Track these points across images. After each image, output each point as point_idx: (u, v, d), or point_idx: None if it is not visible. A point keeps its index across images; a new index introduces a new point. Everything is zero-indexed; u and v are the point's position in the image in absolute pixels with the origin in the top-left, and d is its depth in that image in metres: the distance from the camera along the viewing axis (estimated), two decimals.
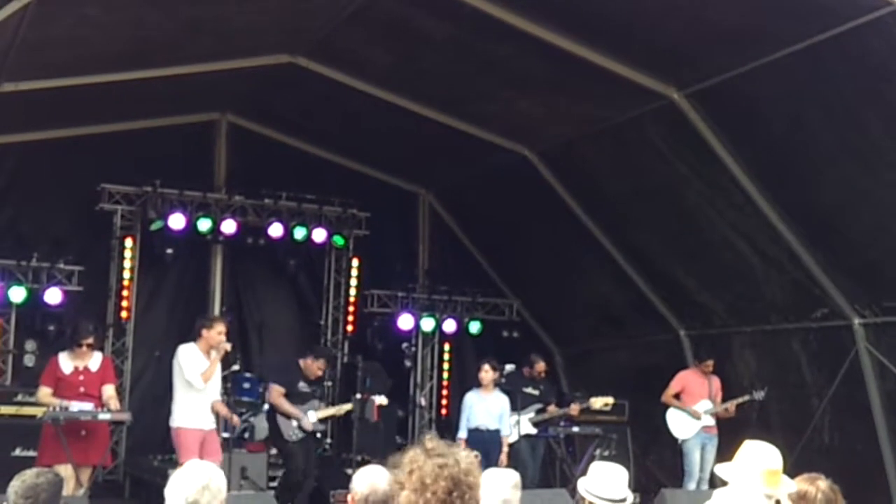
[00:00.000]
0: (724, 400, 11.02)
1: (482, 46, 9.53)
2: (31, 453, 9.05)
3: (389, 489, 4.15)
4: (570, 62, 9.21)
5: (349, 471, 9.60)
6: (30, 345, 11.70)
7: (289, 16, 9.58)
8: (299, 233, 12.86)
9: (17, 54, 9.09)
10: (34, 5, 7.76)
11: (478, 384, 10.62)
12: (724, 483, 4.48)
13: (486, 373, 10.51)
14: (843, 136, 8.61)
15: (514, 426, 10.61)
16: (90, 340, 8.76)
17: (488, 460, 9.48)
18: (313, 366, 10.26)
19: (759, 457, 4.36)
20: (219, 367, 8.94)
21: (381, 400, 10.73)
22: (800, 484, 4.48)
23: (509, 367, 11.85)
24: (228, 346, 8.94)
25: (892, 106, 8.10)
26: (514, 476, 5.20)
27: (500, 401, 10.54)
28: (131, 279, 12.24)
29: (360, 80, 10.91)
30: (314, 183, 13.09)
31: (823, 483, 4.51)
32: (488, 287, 14.17)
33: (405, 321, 13.47)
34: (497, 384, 10.63)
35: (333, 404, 10.97)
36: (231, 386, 10.24)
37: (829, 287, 9.97)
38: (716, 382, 11.14)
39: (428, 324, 13.68)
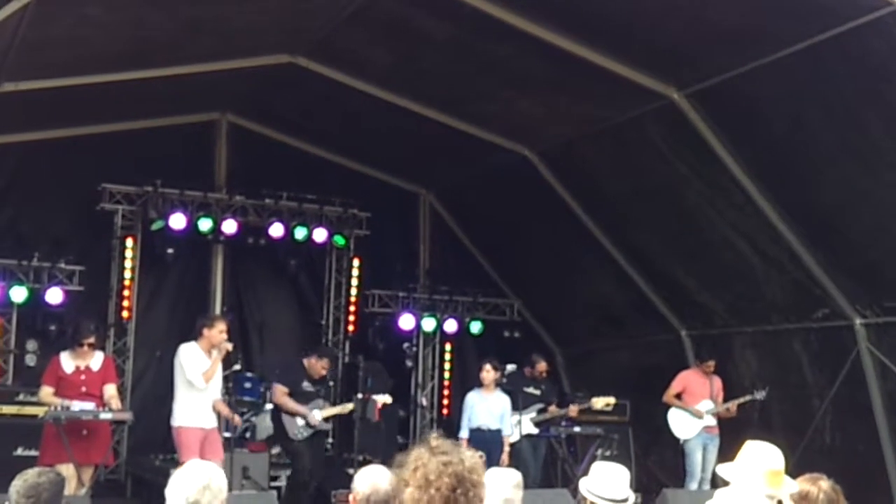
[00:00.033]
0: (726, 400, 11.02)
1: (482, 46, 9.53)
2: (33, 453, 9.04)
3: (391, 489, 4.16)
4: (570, 62, 9.21)
5: (351, 471, 9.60)
6: (31, 344, 11.70)
7: (289, 16, 9.58)
8: (300, 233, 12.86)
9: (17, 54, 9.09)
10: (34, 5, 7.76)
11: (479, 384, 10.62)
12: (725, 483, 4.48)
13: (488, 373, 10.51)
14: (844, 136, 8.61)
15: (516, 426, 10.61)
16: (91, 340, 8.76)
17: (490, 460, 9.45)
18: (317, 365, 10.28)
19: (761, 457, 4.36)
20: (220, 366, 8.95)
21: (385, 398, 10.74)
22: (802, 484, 4.48)
23: (510, 367, 11.85)
24: (230, 346, 8.94)
25: (892, 106, 8.10)
26: (515, 476, 5.20)
27: (502, 401, 10.54)
28: (132, 279, 12.25)
29: (361, 80, 10.92)
30: (315, 183, 13.09)
31: (825, 483, 4.51)
32: (489, 287, 14.18)
33: (406, 321, 13.48)
34: (498, 384, 10.63)
35: (335, 404, 10.96)
36: (232, 386, 10.25)
37: (830, 287, 9.97)
38: (717, 382, 11.14)
39: (429, 324, 13.69)
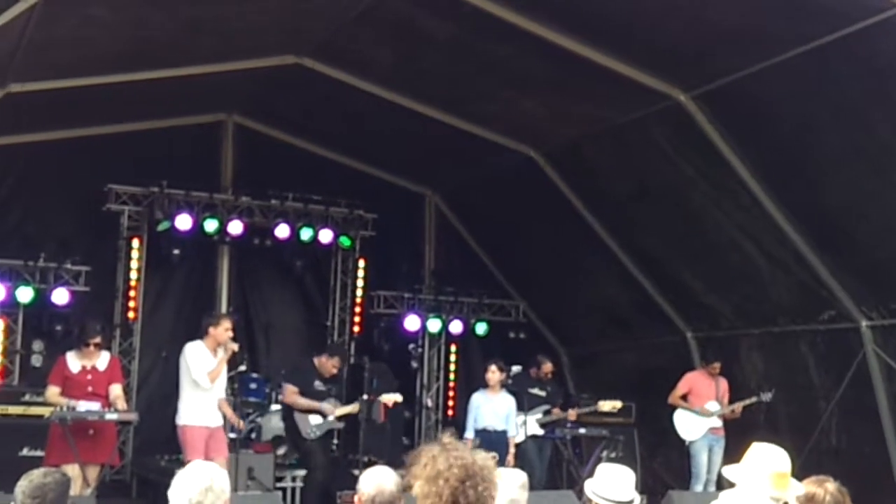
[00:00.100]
0: (732, 402, 11.00)
1: (488, 47, 9.53)
2: (39, 453, 9.07)
3: (396, 490, 4.15)
4: (576, 63, 9.20)
5: (356, 472, 9.60)
6: (37, 345, 11.71)
7: (295, 17, 9.58)
8: (306, 234, 12.85)
9: (25, 55, 9.10)
10: (41, 6, 7.77)
11: (484, 385, 10.61)
12: (731, 485, 4.47)
13: (493, 374, 10.50)
14: (851, 137, 8.60)
15: (521, 426, 10.60)
16: (97, 340, 8.79)
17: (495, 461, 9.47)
18: (328, 364, 10.30)
19: (767, 459, 4.34)
20: (225, 365, 8.95)
21: (395, 397, 10.74)
22: (808, 486, 4.46)
23: (516, 369, 11.84)
24: (236, 347, 8.95)
25: None
26: (521, 476, 5.20)
27: (507, 402, 10.53)
28: (138, 280, 12.26)
29: (366, 80, 10.92)
30: (320, 184, 13.09)
31: (832, 485, 4.49)
32: (494, 288, 14.17)
33: (411, 322, 13.48)
34: (504, 385, 10.63)
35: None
36: (238, 387, 10.26)
37: (837, 289, 9.95)
38: (723, 384, 11.12)
39: (434, 325, 13.68)
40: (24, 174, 11.96)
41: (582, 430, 11.47)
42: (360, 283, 13.74)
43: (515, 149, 11.75)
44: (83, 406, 8.47)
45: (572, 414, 11.30)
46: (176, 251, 12.21)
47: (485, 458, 3.32)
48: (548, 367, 11.71)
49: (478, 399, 10.57)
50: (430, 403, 14.02)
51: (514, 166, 11.96)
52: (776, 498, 4.28)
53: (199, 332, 8.99)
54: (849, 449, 10.39)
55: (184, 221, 12.04)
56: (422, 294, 13.86)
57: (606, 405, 11.29)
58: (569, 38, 8.95)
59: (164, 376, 11.69)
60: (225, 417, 9.07)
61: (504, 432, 10.41)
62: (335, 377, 10.55)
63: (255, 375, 12.09)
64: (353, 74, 10.88)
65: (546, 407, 11.31)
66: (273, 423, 11.37)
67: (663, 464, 12.41)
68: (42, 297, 11.40)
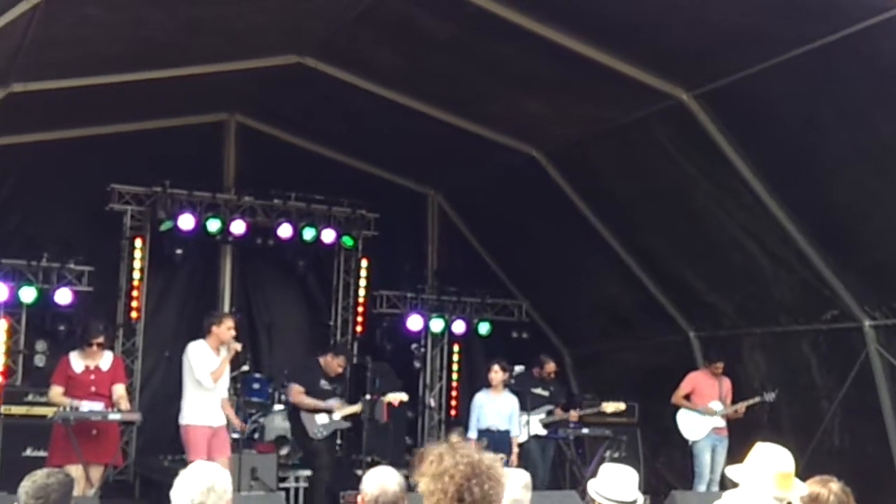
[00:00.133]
0: (735, 402, 11.00)
1: (490, 47, 9.52)
2: (42, 453, 9.08)
3: (399, 490, 4.15)
4: (578, 62, 9.20)
5: (359, 472, 9.61)
6: (40, 345, 11.71)
7: (297, 16, 9.58)
8: (308, 233, 12.85)
9: (27, 55, 9.11)
10: (44, 5, 7.78)
11: (487, 385, 10.62)
12: (734, 485, 4.47)
13: (496, 373, 10.51)
14: (854, 136, 8.59)
15: (524, 426, 10.60)
16: (101, 340, 8.79)
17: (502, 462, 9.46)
18: (333, 363, 10.31)
19: (771, 459, 4.34)
20: (227, 365, 8.96)
21: (401, 396, 10.75)
22: (812, 486, 4.47)
23: (519, 368, 11.85)
24: (239, 346, 8.96)
25: None
26: (524, 476, 5.21)
27: (510, 401, 10.53)
28: (141, 279, 12.27)
29: (369, 80, 10.92)
30: (323, 183, 13.09)
31: (836, 485, 4.49)
32: (497, 288, 14.17)
33: (414, 322, 13.48)
34: (506, 385, 10.63)
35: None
36: (241, 387, 10.27)
37: (840, 288, 9.95)
38: (726, 384, 11.12)
39: (437, 325, 13.68)
40: (27, 174, 11.96)
41: (585, 430, 11.47)
42: (362, 282, 13.73)
43: (518, 148, 11.75)
44: (86, 406, 8.47)
45: (574, 415, 11.31)
46: (179, 251, 12.21)
47: (492, 458, 3.31)
48: (551, 366, 11.71)
49: (481, 399, 10.58)
50: (432, 403, 14.02)
51: (516, 166, 11.96)
52: (780, 498, 4.28)
53: (201, 332, 9.00)
54: (852, 449, 10.38)
55: (186, 221, 12.04)
56: (424, 294, 13.85)
57: (610, 407, 11.31)
58: (571, 37, 8.94)
59: (167, 376, 11.69)
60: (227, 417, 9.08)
61: (507, 432, 10.41)
62: (340, 376, 10.54)
63: (257, 375, 12.09)
64: (355, 74, 10.89)
65: (549, 407, 11.31)
66: (276, 423, 11.36)
67: (666, 464, 12.40)
68: (45, 297, 11.40)
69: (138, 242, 12.24)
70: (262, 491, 9.77)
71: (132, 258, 12.22)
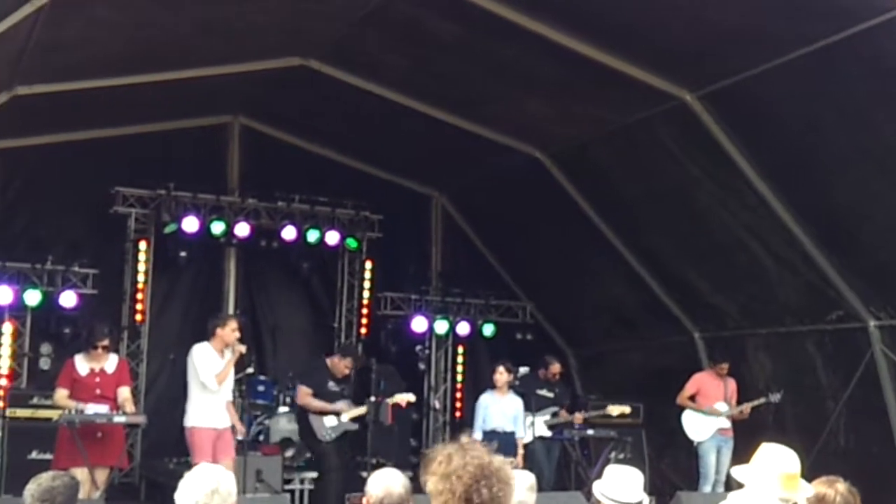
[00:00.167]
0: (740, 402, 10.99)
1: (495, 48, 9.53)
2: (47, 456, 9.10)
3: (404, 492, 4.16)
4: (582, 63, 9.20)
5: (364, 474, 9.60)
6: (45, 348, 11.74)
7: (301, 19, 9.60)
8: (312, 235, 12.86)
9: (31, 58, 9.13)
10: (48, 8, 7.79)
11: (492, 386, 10.60)
12: (739, 486, 4.46)
13: (501, 375, 10.50)
14: (857, 137, 8.58)
15: (529, 427, 10.60)
16: (105, 342, 8.79)
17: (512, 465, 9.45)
18: (340, 364, 10.31)
19: (776, 460, 4.33)
20: (232, 367, 8.96)
21: (409, 397, 10.75)
22: (818, 487, 4.46)
23: (523, 370, 11.84)
24: (243, 348, 8.97)
25: None
26: (529, 478, 5.21)
27: (515, 403, 10.53)
28: (145, 282, 12.28)
29: (373, 82, 10.93)
30: (327, 185, 13.10)
31: (842, 486, 4.49)
32: (501, 289, 14.17)
33: (419, 324, 13.47)
34: (511, 386, 10.62)
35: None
36: (245, 389, 10.27)
37: (844, 289, 9.93)
38: (731, 385, 11.10)
39: (441, 326, 13.67)
40: (31, 177, 11.99)
41: (590, 432, 11.45)
42: (366, 284, 13.74)
43: (522, 150, 11.75)
44: (91, 409, 8.47)
45: (578, 417, 11.30)
46: (183, 253, 12.24)
47: (502, 459, 3.30)
48: (556, 367, 11.71)
49: (486, 400, 10.57)
50: (437, 405, 14.02)
51: (520, 167, 11.96)
52: (785, 499, 4.27)
53: (205, 334, 9.00)
54: (857, 449, 10.37)
55: (191, 224, 12.05)
56: (429, 295, 13.86)
57: (615, 410, 11.31)
58: (576, 39, 8.94)
59: (171, 379, 11.70)
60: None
61: (512, 433, 10.40)
62: (347, 377, 10.55)
63: (262, 378, 12.10)
64: (358, 76, 10.90)
65: (554, 409, 11.30)
66: (281, 425, 11.37)
67: (671, 465, 12.39)
68: (50, 300, 11.42)
69: (142, 245, 12.26)
70: (267, 493, 9.76)
71: (136, 261, 12.24)
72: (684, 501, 9.44)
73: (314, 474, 10.81)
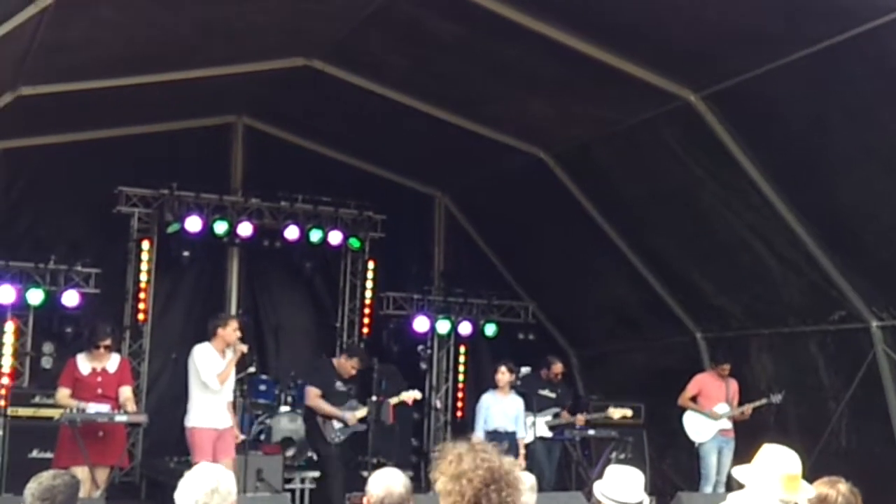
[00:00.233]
0: (742, 403, 10.98)
1: (496, 48, 9.52)
2: (48, 455, 9.10)
3: (405, 492, 4.16)
4: (585, 64, 9.19)
5: (365, 473, 9.60)
6: (47, 347, 11.74)
7: (304, 19, 9.60)
8: (315, 235, 12.86)
9: (35, 58, 9.14)
10: (52, 9, 7.79)
11: (493, 386, 10.60)
12: (740, 486, 4.45)
13: (503, 375, 10.49)
14: (862, 137, 8.57)
15: (530, 427, 10.59)
16: (107, 342, 8.80)
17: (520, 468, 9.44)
18: (346, 364, 10.31)
19: (778, 461, 4.32)
20: (233, 367, 8.96)
21: (415, 394, 10.74)
22: (820, 487, 4.45)
23: (525, 370, 11.83)
24: (244, 348, 8.97)
25: None
26: (530, 478, 5.20)
27: (516, 403, 10.52)
28: (148, 282, 12.29)
29: (376, 82, 10.93)
30: (330, 185, 13.11)
31: (844, 486, 4.48)
32: (504, 289, 14.16)
33: (421, 323, 13.47)
34: (513, 386, 10.61)
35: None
36: (247, 388, 10.26)
37: (847, 289, 9.92)
38: (733, 385, 11.09)
39: (443, 326, 13.67)
40: (34, 177, 12.01)
41: (591, 432, 11.45)
42: (369, 284, 13.75)
43: (525, 150, 11.75)
44: (93, 408, 8.48)
45: (580, 419, 11.30)
46: (186, 253, 12.24)
47: (511, 463, 3.29)
48: (558, 368, 11.70)
49: (487, 400, 10.57)
50: (438, 405, 14.01)
51: (523, 167, 11.96)
52: (786, 500, 4.26)
53: (206, 334, 9.00)
54: (859, 450, 10.35)
55: (193, 223, 12.06)
56: (431, 295, 13.85)
57: (617, 413, 11.30)
58: (579, 39, 8.93)
59: (173, 378, 11.70)
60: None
61: (514, 434, 10.39)
62: (353, 377, 10.56)
63: (264, 377, 12.10)
64: (361, 76, 10.90)
65: (556, 409, 11.29)
66: (282, 425, 11.37)
67: (672, 465, 12.38)
68: (52, 300, 11.44)
69: (145, 245, 12.28)
70: (267, 492, 9.77)
71: (139, 260, 12.26)
72: (685, 502, 9.44)
73: (315, 474, 10.81)
